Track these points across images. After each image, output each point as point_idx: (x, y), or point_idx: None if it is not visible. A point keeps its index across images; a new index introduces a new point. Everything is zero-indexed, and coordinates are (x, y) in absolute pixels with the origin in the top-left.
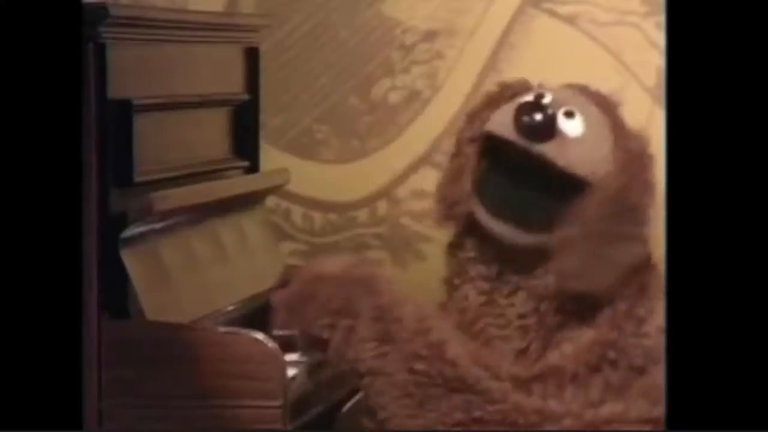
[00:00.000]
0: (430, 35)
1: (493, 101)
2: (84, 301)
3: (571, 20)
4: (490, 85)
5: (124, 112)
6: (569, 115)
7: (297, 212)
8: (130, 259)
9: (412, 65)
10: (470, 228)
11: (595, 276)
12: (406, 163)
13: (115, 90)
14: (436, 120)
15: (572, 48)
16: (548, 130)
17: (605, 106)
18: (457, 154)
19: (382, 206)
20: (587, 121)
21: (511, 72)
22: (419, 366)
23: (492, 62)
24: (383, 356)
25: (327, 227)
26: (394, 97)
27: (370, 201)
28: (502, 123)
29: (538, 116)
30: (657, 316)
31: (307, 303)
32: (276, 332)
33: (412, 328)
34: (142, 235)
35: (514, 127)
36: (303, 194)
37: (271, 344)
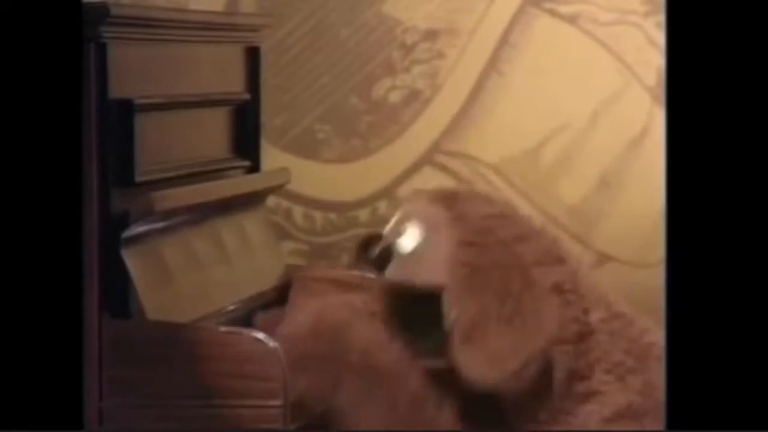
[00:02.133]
0: (430, 35)
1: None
2: (85, 300)
3: (571, 20)
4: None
5: (125, 112)
6: (402, 233)
7: (298, 212)
8: (131, 258)
9: (412, 65)
10: None
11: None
12: (407, 163)
13: (116, 90)
14: (437, 119)
15: (573, 47)
16: (386, 257)
17: (444, 202)
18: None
19: (382, 206)
20: (423, 228)
21: (512, 72)
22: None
23: (493, 62)
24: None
25: (328, 227)
26: (394, 97)
27: (371, 201)
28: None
29: (375, 248)
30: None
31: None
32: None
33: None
34: (143, 235)
35: (364, 262)
36: (304, 194)
37: (272, 344)
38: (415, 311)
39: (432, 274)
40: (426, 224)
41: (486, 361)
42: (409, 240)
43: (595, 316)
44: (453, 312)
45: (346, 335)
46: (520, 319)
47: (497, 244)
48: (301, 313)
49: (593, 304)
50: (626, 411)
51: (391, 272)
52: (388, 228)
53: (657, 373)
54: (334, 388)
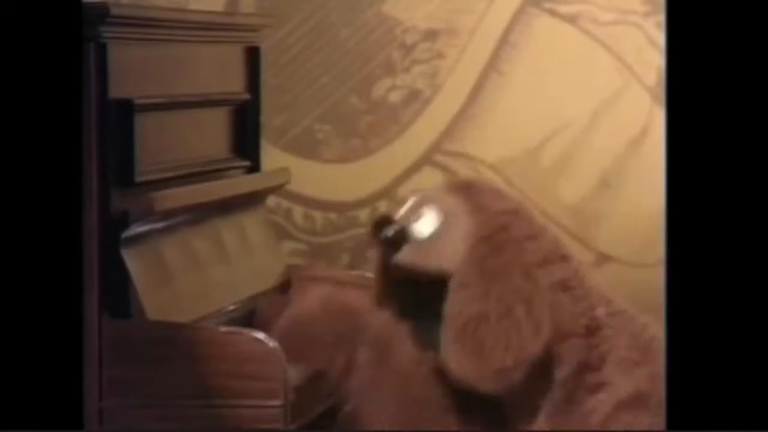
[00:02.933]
0: (430, 35)
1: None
2: (85, 300)
3: (571, 20)
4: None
5: (125, 112)
6: (420, 216)
7: (298, 212)
8: (131, 258)
9: (412, 65)
10: None
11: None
12: (407, 163)
13: (116, 90)
14: (437, 119)
15: (573, 47)
16: (400, 239)
17: (463, 192)
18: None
19: (382, 206)
20: (442, 215)
21: (512, 72)
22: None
23: (493, 62)
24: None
25: (328, 227)
26: (394, 97)
27: (371, 200)
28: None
29: (389, 229)
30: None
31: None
32: None
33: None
34: (143, 235)
35: (378, 242)
36: (304, 194)
37: (272, 344)
38: (421, 301)
39: (444, 262)
40: (443, 212)
41: (473, 359)
42: (425, 225)
43: (600, 312)
44: (453, 304)
45: (357, 317)
46: (519, 321)
47: (510, 242)
48: (310, 297)
49: (596, 300)
50: (635, 399)
51: (404, 255)
52: (403, 210)
53: (660, 364)
54: (347, 369)
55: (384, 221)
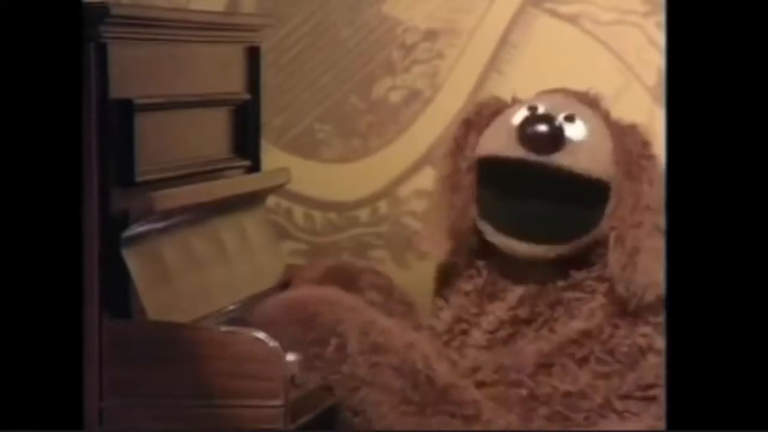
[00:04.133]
0: (430, 35)
1: (473, 124)
2: (85, 300)
3: (572, 20)
4: (465, 111)
5: (125, 112)
6: (569, 119)
7: (298, 212)
8: (131, 258)
9: (412, 65)
10: (474, 250)
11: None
12: (408, 163)
13: (116, 90)
14: (438, 119)
15: (573, 47)
16: (557, 139)
17: (591, 102)
18: (455, 187)
19: (383, 206)
20: (586, 122)
21: (513, 72)
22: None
23: (493, 62)
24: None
25: (328, 227)
26: (394, 97)
27: (371, 200)
28: (501, 143)
29: (543, 127)
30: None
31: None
32: None
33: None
34: (143, 235)
35: (521, 144)
36: (304, 194)
37: (272, 343)
38: (564, 196)
39: (600, 167)
40: (586, 118)
41: (635, 270)
42: (578, 128)
43: None
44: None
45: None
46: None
47: (645, 159)
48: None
49: None
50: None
51: (565, 158)
52: (544, 110)
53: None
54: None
55: (542, 118)
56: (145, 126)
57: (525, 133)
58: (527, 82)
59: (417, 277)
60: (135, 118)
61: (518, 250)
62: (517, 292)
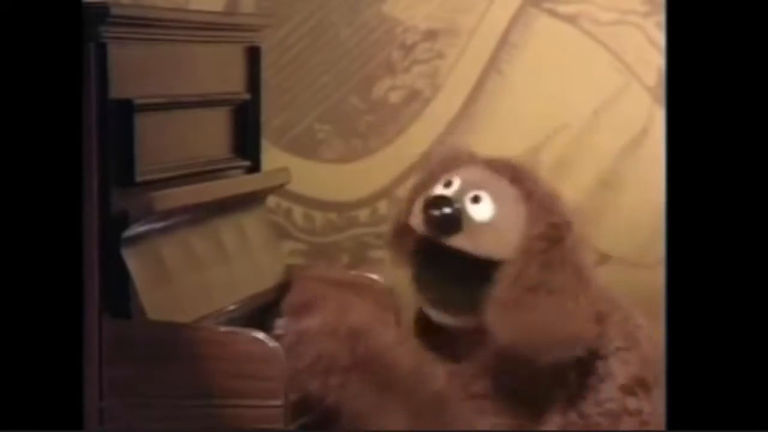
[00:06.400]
0: (430, 35)
1: (422, 185)
2: (85, 300)
3: (571, 20)
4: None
5: (125, 112)
6: (476, 200)
7: (298, 212)
8: (131, 258)
9: (412, 65)
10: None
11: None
12: (407, 163)
13: (116, 90)
14: (437, 119)
15: (573, 47)
16: (456, 222)
17: (517, 176)
18: (399, 244)
19: (383, 206)
20: (497, 201)
21: (512, 72)
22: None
23: (493, 62)
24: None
25: (328, 227)
26: (394, 97)
27: (371, 200)
28: (416, 218)
29: (440, 212)
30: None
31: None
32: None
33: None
34: (142, 235)
35: (424, 222)
36: (304, 194)
37: (272, 343)
38: (453, 268)
39: (500, 250)
40: (496, 196)
41: (527, 331)
42: (483, 209)
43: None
44: (506, 276)
45: (363, 339)
46: (573, 309)
47: (566, 241)
48: (320, 313)
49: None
50: (636, 382)
51: (458, 239)
52: (451, 191)
53: (650, 350)
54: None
55: (438, 201)
56: (145, 126)
57: (426, 215)
58: (527, 82)
59: None
60: (135, 118)
61: (434, 317)
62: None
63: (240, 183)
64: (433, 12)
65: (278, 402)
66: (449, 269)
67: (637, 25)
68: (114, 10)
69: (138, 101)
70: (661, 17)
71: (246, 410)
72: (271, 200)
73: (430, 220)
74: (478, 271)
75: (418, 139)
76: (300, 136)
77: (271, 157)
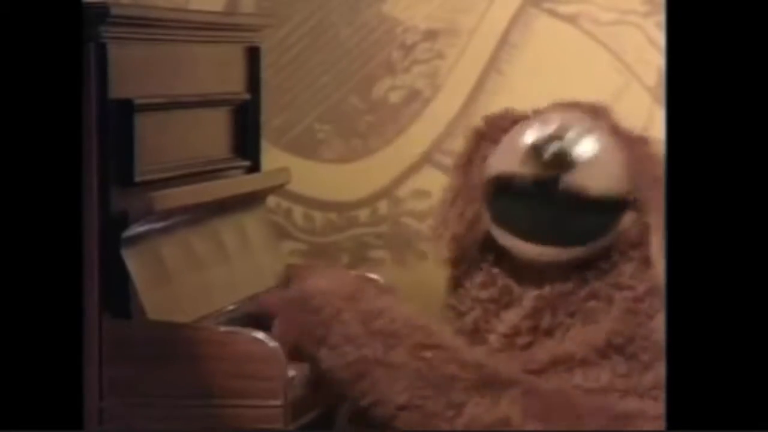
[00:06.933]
0: (430, 35)
1: (485, 136)
2: (85, 300)
3: (571, 20)
4: (477, 121)
5: (125, 112)
6: (580, 136)
7: (298, 212)
8: (130, 258)
9: (412, 65)
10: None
11: None
12: (407, 163)
13: (116, 90)
14: (437, 119)
15: (573, 47)
16: (569, 159)
17: (599, 114)
18: (465, 197)
19: (383, 206)
20: (596, 137)
21: (512, 72)
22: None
23: (493, 62)
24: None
25: (328, 227)
26: (394, 97)
27: (371, 200)
28: (514, 161)
29: (556, 147)
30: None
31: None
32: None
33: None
34: (142, 235)
35: (534, 163)
36: (304, 194)
37: (272, 343)
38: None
39: (619, 181)
40: (596, 134)
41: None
42: (588, 146)
43: None
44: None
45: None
46: None
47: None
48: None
49: None
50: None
51: (578, 178)
52: (550, 131)
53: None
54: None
55: (547, 140)
56: (145, 126)
57: (537, 153)
58: (527, 82)
59: (417, 277)
60: (135, 118)
61: (531, 254)
62: (531, 298)
63: (240, 183)
64: (433, 12)
65: (278, 402)
66: (555, 204)
67: (637, 25)
68: (114, 10)
69: (138, 101)
70: (661, 17)
71: (246, 410)
72: (271, 200)
73: (544, 159)
74: (588, 204)
75: (418, 139)
76: (300, 136)
77: (271, 157)
